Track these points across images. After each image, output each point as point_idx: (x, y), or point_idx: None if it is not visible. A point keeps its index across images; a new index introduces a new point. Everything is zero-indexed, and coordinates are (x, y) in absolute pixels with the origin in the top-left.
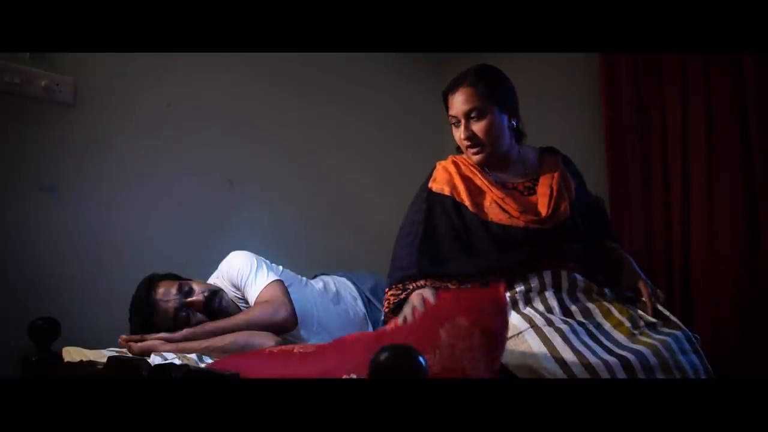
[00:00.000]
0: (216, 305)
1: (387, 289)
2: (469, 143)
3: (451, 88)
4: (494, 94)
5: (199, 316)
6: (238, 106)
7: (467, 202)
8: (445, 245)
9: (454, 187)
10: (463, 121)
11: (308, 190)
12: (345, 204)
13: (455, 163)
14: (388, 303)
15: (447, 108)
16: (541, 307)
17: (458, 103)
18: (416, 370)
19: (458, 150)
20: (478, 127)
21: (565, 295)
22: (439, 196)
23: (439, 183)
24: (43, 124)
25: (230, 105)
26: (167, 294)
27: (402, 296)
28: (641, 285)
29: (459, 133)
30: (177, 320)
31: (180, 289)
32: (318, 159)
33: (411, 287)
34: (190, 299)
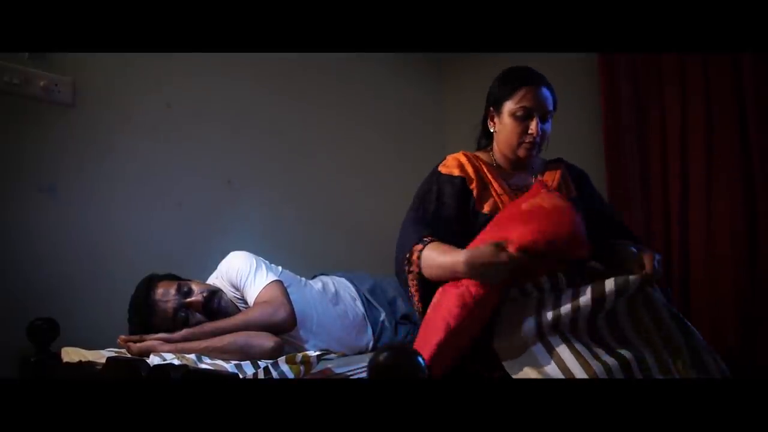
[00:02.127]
0: (215, 305)
1: (409, 255)
2: (532, 139)
3: (531, 82)
4: (556, 101)
5: (198, 316)
6: (237, 107)
7: (474, 191)
8: (448, 225)
9: (465, 172)
10: (537, 118)
11: (307, 191)
12: (344, 205)
13: (466, 155)
14: (417, 258)
15: (512, 97)
16: (550, 314)
17: (541, 98)
18: (416, 370)
19: (479, 143)
20: (545, 129)
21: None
22: (448, 176)
23: (449, 167)
24: (42, 125)
25: (230, 106)
26: (166, 294)
27: (421, 247)
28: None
29: (524, 126)
30: (176, 320)
31: (179, 290)
32: (317, 159)
33: (428, 239)
34: (189, 299)
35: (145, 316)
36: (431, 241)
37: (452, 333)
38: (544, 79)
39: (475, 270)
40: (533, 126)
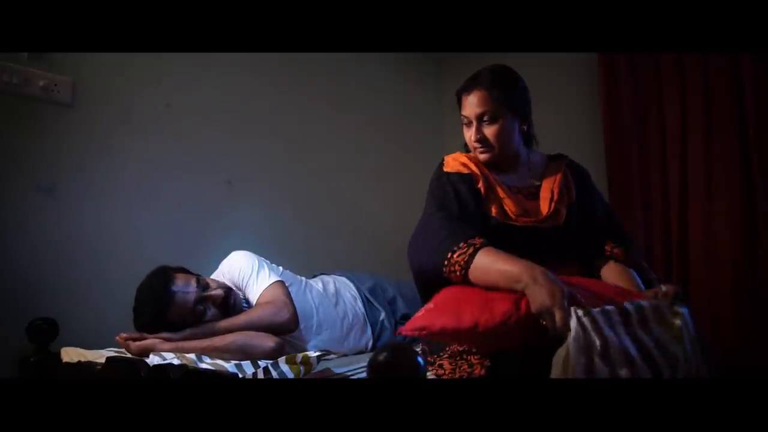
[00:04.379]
0: (232, 302)
1: (449, 254)
2: (478, 145)
3: (465, 89)
4: (508, 99)
5: (215, 311)
6: (237, 107)
7: (482, 189)
8: (474, 221)
9: (470, 169)
10: (474, 123)
11: (307, 190)
12: (344, 204)
13: (465, 155)
14: (459, 265)
15: (459, 107)
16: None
17: (471, 104)
18: (415, 370)
19: (465, 148)
20: (489, 130)
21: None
22: (458, 175)
23: (453, 167)
24: (41, 125)
25: (229, 105)
26: (187, 286)
27: (471, 251)
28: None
29: (469, 134)
30: (195, 312)
31: (198, 283)
32: (317, 159)
33: (476, 242)
34: (209, 293)
35: (163, 307)
36: (483, 244)
37: (471, 334)
38: (480, 80)
39: (538, 286)
40: (472, 133)
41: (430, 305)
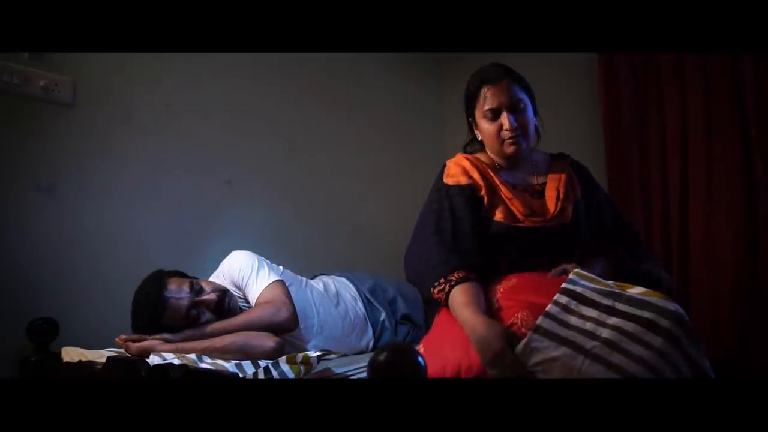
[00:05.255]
0: (226, 305)
1: (432, 288)
2: (511, 134)
3: (492, 80)
4: (529, 92)
5: (209, 315)
6: (237, 107)
7: (485, 198)
8: (469, 239)
9: (471, 178)
10: (506, 113)
11: (307, 191)
12: (343, 204)
13: (467, 159)
14: (441, 300)
15: (478, 102)
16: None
17: (505, 93)
18: (415, 370)
19: (465, 149)
20: (522, 118)
21: None
22: (458, 187)
23: (454, 176)
24: (41, 125)
25: (229, 105)
26: (179, 291)
27: (447, 288)
28: None
29: (498, 125)
30: (188, 318)
31: (192, 287)
32: (317, 159)
33: (453, 278)
34: (202, 298)
35: (157, 312)
36: (459, 280)
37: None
38: (503, 71)
39: (482, 355)
40: (505, 122)
41: (420, 348)
